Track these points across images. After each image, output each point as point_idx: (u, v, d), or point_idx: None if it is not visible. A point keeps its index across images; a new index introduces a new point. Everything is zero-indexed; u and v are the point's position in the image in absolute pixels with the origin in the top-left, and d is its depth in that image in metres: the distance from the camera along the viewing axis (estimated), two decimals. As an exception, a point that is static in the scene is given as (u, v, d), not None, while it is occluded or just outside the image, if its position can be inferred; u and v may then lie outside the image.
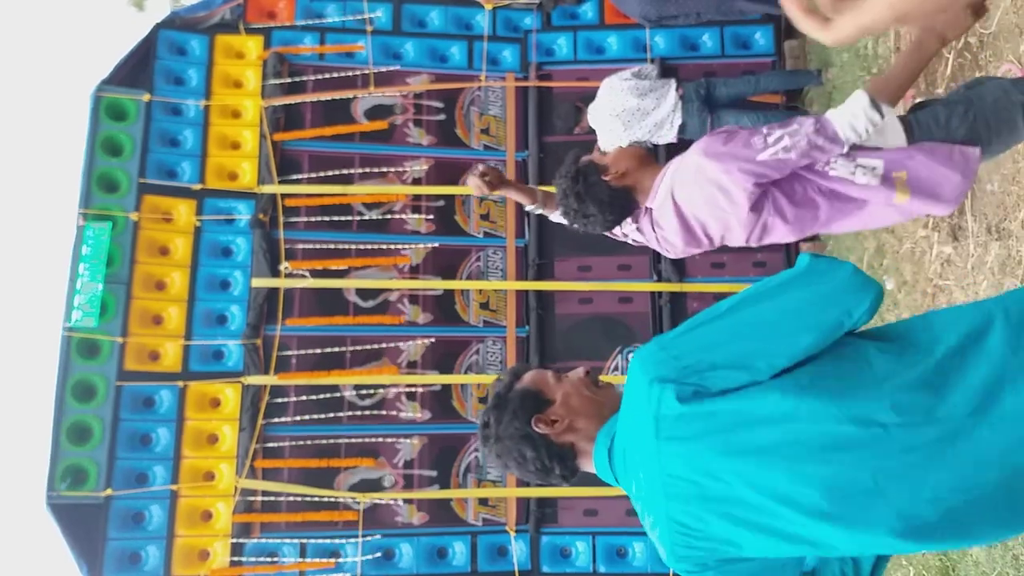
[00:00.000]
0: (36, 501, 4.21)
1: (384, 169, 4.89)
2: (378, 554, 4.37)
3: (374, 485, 4.50)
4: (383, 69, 4.96)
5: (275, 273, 4.65)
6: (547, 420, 1.47)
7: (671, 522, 1.28)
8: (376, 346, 4.65)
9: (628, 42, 5.02)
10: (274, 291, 4.64)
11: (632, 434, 1.33)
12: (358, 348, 4.64)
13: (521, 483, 4.49)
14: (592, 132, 4.19)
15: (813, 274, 1.28)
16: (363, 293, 4.73)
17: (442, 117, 5.01)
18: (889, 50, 3.89)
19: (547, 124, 4.98)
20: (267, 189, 4.73)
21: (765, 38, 4.97)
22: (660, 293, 4.72)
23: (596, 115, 4.08)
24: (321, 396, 4.55)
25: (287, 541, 4.37)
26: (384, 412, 4.58)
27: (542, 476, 1.49)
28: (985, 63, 3.05)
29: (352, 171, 4.86)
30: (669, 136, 4.10)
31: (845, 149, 2.00)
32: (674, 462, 1.25)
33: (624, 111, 4.01)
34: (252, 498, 4.40)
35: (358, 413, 4.56)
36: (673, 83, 4.07)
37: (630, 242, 2.61)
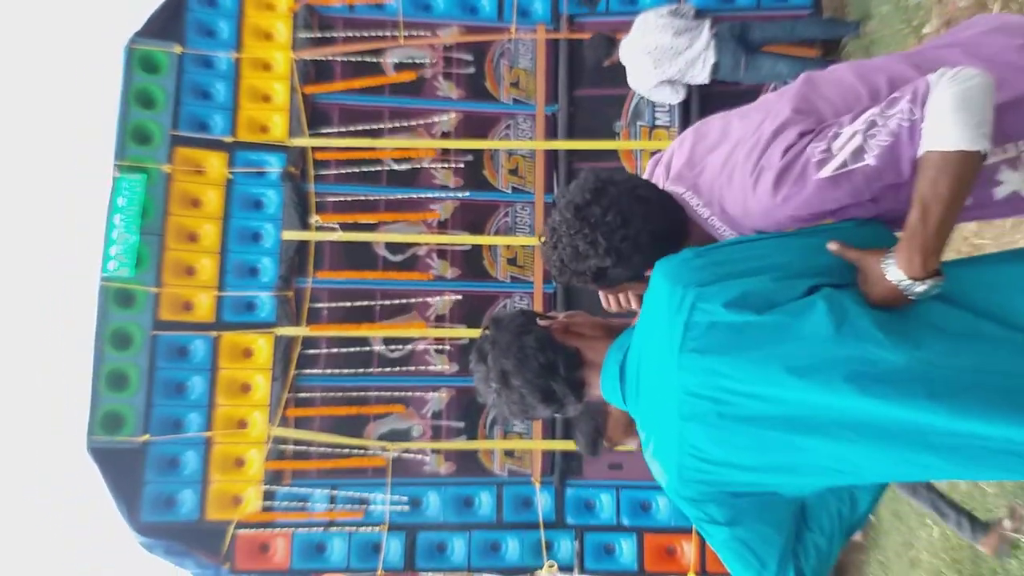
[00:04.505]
0: (77, 445, 4.35)
1: (413, 122, 4.87)
2: (406, 503, 4.46)
3: (403, 435, 4.58)
4: (413, 22, 4.92)
5: (305, 226, 4.69)
6: (550, 317, 1.42)
7: (683, 444, 1.23)
8: (405, 300, 4.69)
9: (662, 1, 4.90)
10: (304, 244, 4.68)
11: (649, 347, 1.26)
12: (387, 303, 4.69)
13: (547, 435, 4.54)
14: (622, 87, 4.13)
15: (855, 225, 1.28)
16: (392, 247, 4.76)
17: (471, 70, 4.96)
18: (932, 1, 3.77)
19: (578, 77, 4.90)
20: (297, 142, 4.74)
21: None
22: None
23: (628, 51, 4.04)
24: (351, 349, 4.61)
25: (317, 489, 4.48)
26: (413, 365, 4.64)
27: (544, 376, 1.36)
28: (1032, 14, 2.94)
29: (381, 125, 4.85)
30: (702, 76, 4.03)
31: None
32: (694, 378, 1.19)
33: (656, 48, 3.95)
34: (284, 446, 4.50)
35: (387, 367, 4.62)
36: (708, 21, 4.00)
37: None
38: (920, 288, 1.18)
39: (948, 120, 1.22)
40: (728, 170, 1.44)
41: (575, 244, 1.44)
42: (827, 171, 1.30)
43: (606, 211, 1.41)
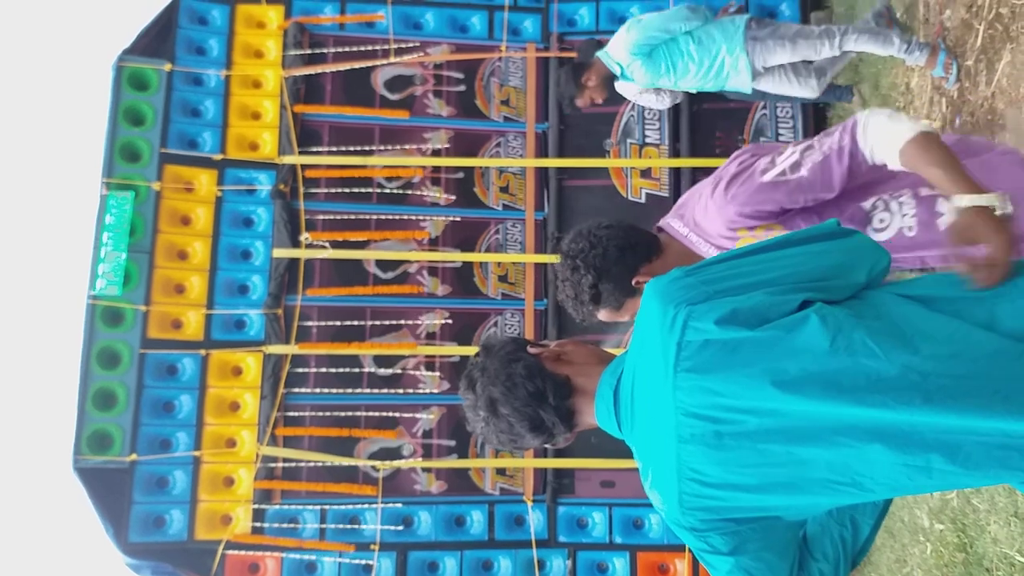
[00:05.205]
0: (63, 465, 4.30)
1: (403, 141, 4.88)
2: (400, 527, 4.43)
3: (393, 454, 4.55)
4: (403, 40, 4.94)
5: (295, 244, 4.67)
6: (541, 344, 1.42)
7: (683, 469, 1.21)
8: (395, 321, 4.68)
9: (651, 11, 4.94)
10: (295, 261, 4.66)
11: (643, 369, 1.25)
12: (377, 323, 4.67)
13: (539, 453, 4.53)
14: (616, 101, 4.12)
15: (841, 233, 1.29)
16: (383, 264, 4.75)
17: (462, 88, 4.98)
18: (918, 21, 3.82)
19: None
20: (287, 160, 4.74)
21: (791, 8, 4.88)
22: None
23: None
24: (341, 369, 4.59)
25: (308, 507, 4.44)
26: (403, 383, 4.62)
27: (533, 405, 1.35)
28: (1017, 34, 2.98)
29: (372, 143, 4.86)
30: None
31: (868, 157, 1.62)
32: (691, 397, 1.18)
33: None
34: (273, 465, 4.46)
35: (378, 384, 4.60)
36: None
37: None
38: (989, 197, 1.33)
39: (891, 126, 1.54)
40: (698, 191, 1.88)
41: (567, 278, 1.85)
42: (768, 176, 1.69)
43: (579, 242, 1.84)
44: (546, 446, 1.46)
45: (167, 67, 4.72)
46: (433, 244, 4.80)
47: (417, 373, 4.63)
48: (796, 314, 1.17)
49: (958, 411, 1.09)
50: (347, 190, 4.78)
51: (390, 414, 4.57)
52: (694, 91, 3.85)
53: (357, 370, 4.61)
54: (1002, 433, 1.10)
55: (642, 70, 3.55)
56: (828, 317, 1.15)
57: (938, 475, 1.15)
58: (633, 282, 1.82)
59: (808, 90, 3.81)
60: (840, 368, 1.13)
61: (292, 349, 4.56)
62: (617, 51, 3.58)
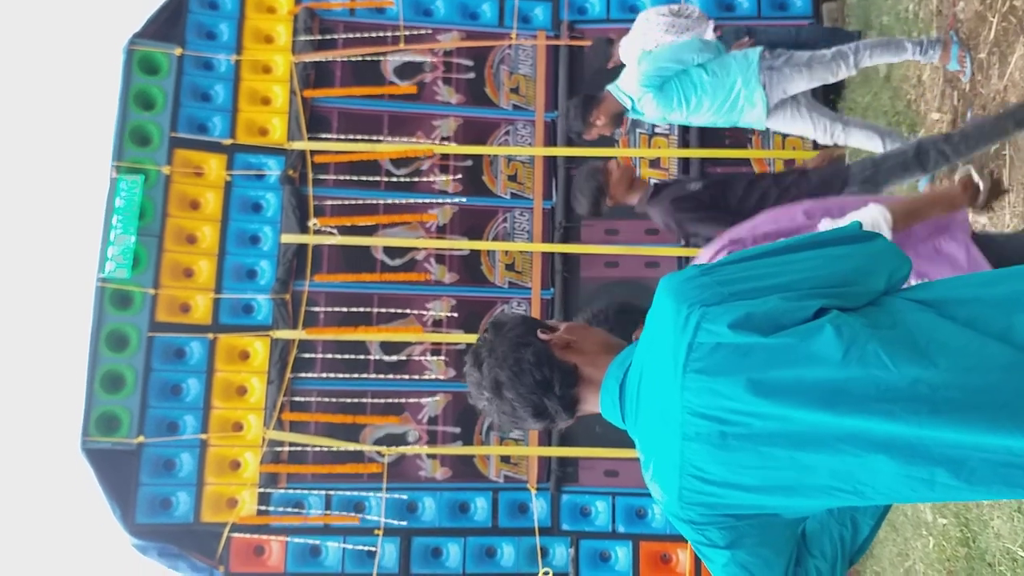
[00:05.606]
0: (71, 446, 4.34)
1: (413, 127, 4.87)
2: (404, 521, 4.45)
3: (399, 440, 4.58)
4: (413, 27, 4.93)
5: (304, 229, 4.69)
6: (551, 329, 1.41)
7: (685, 465, 1.21)
8: (402, 310, 4.69)
9: (661, 4, 4.91)
10: (303, 247, 4.68)
11: (651, 366, 1.25)
12: (384, 310, 4.68)
13: (543, 441, 4.54)
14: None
15: (864, 236, 1.27)
16: (390, 251, 4.76)
17: (471, 75, 4.97)
18: (931, 13, 3.78)
19: (578, 83, 4.91)
20: (297, 145, 4.74)
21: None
22: (688, 258, 4.69)
23: (627, 49, 4.00)
24: (348, 355, 4.61)
25: (313, 492, 4.47)
26: (409, 369, 4.64)
27: (538, 393, 1.34)
28: (1031, 27, 2.96)
29: (381, 131, 4.86)
30: None
31: None
32: (698, 398, 1.18)
33: (657, 47, 3.92)
34: (279, 449, 4.49)
35: (384, 370, 4.62)
36: (711, 24, 3.97)
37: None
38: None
39: (868, 223, 1.98)
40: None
41: None
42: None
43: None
44: (546, 429, 1.45)
45: (178, 51, 4.72)
46: (441, 232, 4.80)
47: (423, 359, 4.65)
48: (811, 323, 1.15)
49: (965, 425, 1.08)
50: (356, 177, 4.78)
51: (396, 400, 4.59)
52: (707, 126, 3.78)
53: (363, 356, 4.62)
54: (1007, 451, 1.08)
55: (653, 103, 3.46)
56: (843, 327, 1.14)
57: (941, 488, 1.14)
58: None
59: (820, 132, 3.71)
60: (850, 378, 1.12)
61: (299, 334, 4.58)
62: (628, 84, 3.49)
